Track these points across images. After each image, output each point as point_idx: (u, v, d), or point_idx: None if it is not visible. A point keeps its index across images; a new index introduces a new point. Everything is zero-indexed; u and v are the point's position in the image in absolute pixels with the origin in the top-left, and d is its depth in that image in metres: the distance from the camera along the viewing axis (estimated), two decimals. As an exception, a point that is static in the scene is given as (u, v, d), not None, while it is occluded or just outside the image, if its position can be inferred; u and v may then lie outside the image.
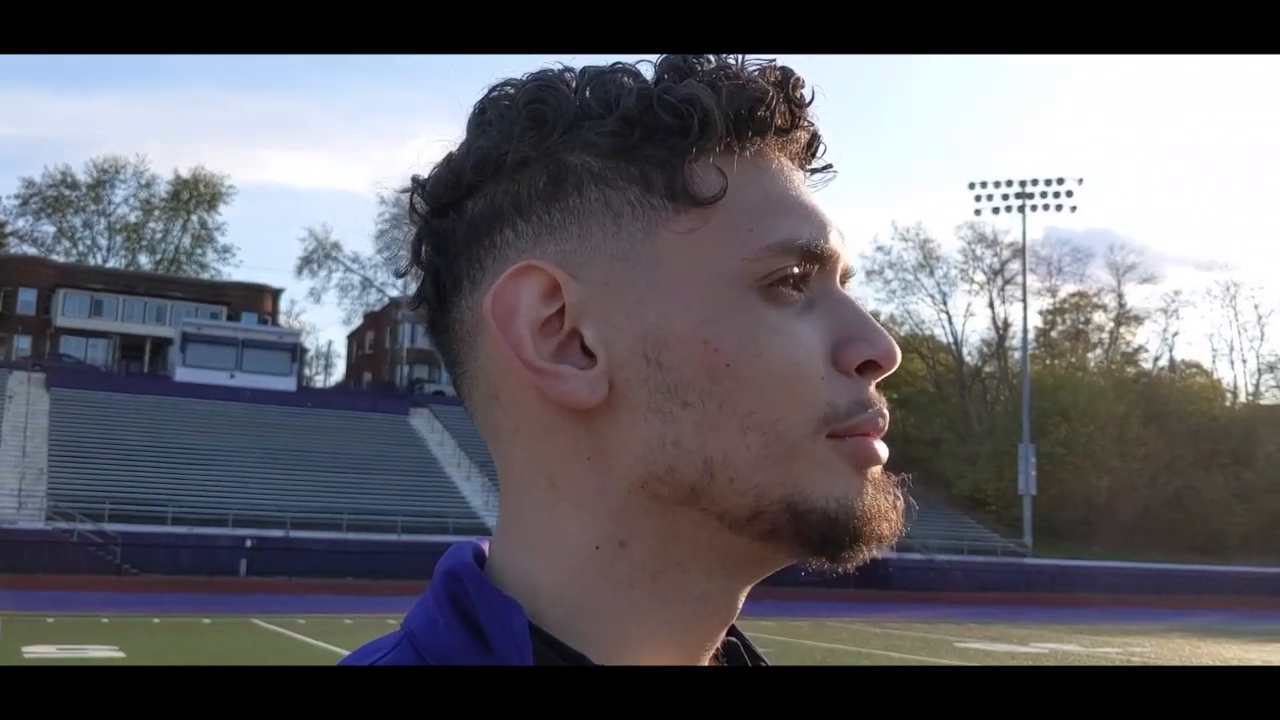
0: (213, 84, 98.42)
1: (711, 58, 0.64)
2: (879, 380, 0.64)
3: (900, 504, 0.64)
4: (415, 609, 0.64)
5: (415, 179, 0.67)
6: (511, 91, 0.65)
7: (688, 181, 0.62)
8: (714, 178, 0.62)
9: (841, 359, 0.62)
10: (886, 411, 0.64)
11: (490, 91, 0.66)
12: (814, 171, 0.68)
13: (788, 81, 0.64)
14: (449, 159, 0.66)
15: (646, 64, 0.65)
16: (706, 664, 0.66)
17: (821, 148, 0.68)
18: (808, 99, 0.65)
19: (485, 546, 0.67)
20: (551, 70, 0.65)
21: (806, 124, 0.66)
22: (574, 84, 0.64)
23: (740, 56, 0.64)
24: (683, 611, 0.63)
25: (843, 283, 0.66)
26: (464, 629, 0.60)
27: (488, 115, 0.65)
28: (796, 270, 0.62)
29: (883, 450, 0.63)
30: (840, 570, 0.64)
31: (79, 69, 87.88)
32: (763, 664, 0.71)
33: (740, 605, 0.66)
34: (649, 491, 0.61)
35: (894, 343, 0.64)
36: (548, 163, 0.63)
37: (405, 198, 0.68)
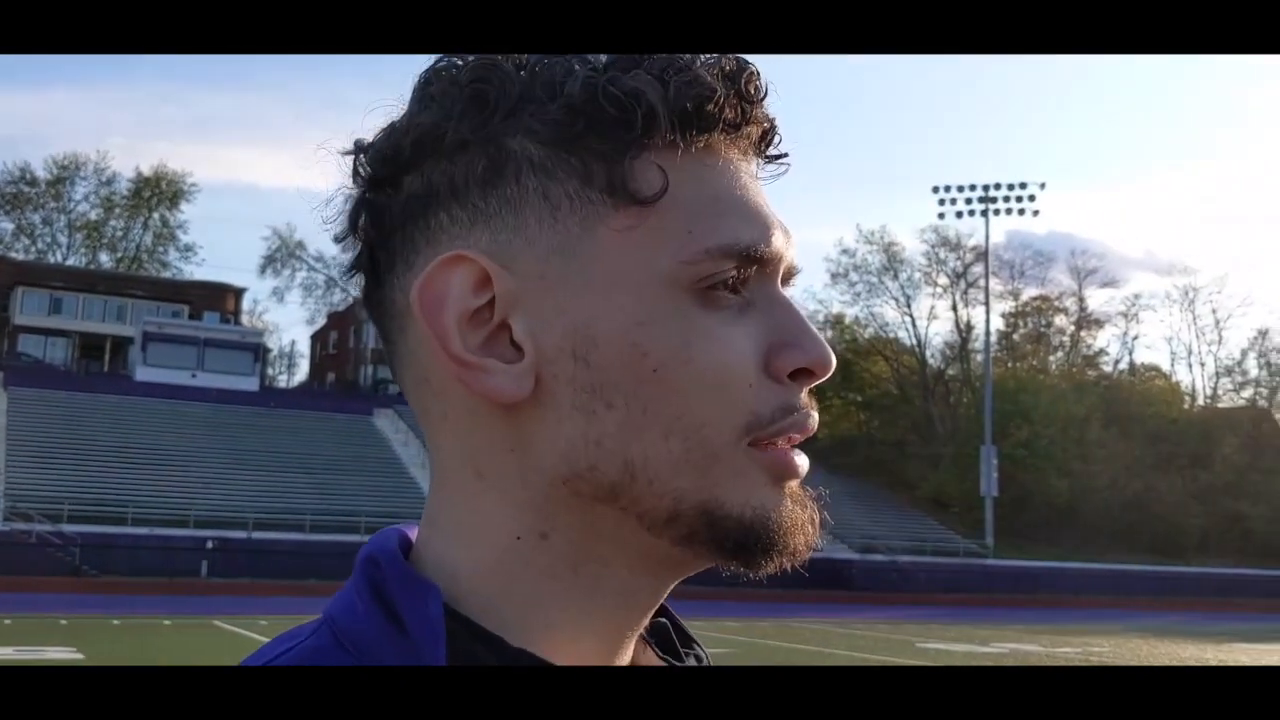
0: (175, 80, 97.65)
1: None
2: (813, 385, 0.63)
3: (817, 518, 0.63)
4: (337, 595, 0.63)
5: (358, 143, 0.66)
6: (458, 65, 0.63)
7: (628, 178, 0.60)
8: (654, 176, 0.60)
9: (774, 365, 0.61)
10: (815, 414, 0.63)
11: (437, 62, 0.64)
12: (770, 160, 0.66)
13: (740, 75, 0.62)
14: (391, 129, 0.64)
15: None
16: (631, 648, 0.66)
17: (777, 139, 0.66)
18: (761, 93, 0.63)
19: (413, 532, 0.67)
20: None
21: (759, 118, 0.64)
22: (521, 64, 0.63)
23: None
24: (603, 603, 0.63)
25: (786, 281, 0.65)
26: (381, 613, 0.60)
27: (431, 89, 0.63)
28: (735, 273, 0.61)
29: (803, 464, 0.63)
30: (753, 577, 0.64)
31: (38, 65, 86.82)
32: (694, 644, 0.71)
33: (664, 597, 0.66)
34: (570, 488, 0.61)
35: (828, 349, 0.63)
36: (487, 147, 0.61)
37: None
